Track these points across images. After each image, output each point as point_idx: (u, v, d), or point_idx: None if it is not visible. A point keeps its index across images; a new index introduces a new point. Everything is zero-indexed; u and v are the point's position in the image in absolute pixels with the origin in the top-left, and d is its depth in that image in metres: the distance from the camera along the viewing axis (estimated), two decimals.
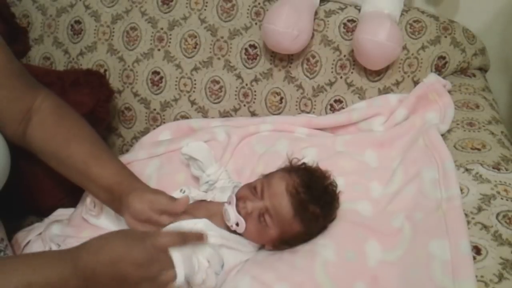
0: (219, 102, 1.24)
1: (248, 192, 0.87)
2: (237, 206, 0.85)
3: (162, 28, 1.24)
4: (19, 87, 0.90)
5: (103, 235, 0.73)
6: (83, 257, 0.70)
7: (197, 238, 0.77)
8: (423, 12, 1.19)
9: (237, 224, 0.85)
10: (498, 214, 0.81)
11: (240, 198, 0.86)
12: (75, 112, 0.96)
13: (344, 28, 1.18)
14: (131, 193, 0.85)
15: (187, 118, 1.24)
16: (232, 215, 0.85)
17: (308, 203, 0.84)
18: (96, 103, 1.13)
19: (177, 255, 0.73)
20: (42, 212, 1.08)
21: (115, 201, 0.88)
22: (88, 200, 0.97)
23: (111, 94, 1.19)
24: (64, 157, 0.90)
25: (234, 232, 0.87)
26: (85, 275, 0.69)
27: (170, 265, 0.72)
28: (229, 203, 0.86)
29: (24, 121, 0.90)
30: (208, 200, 0.93)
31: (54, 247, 0.93)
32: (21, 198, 1.05)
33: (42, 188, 1.06)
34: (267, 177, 0.89)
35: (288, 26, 1.09)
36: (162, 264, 0.72)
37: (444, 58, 1.16)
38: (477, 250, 0.77)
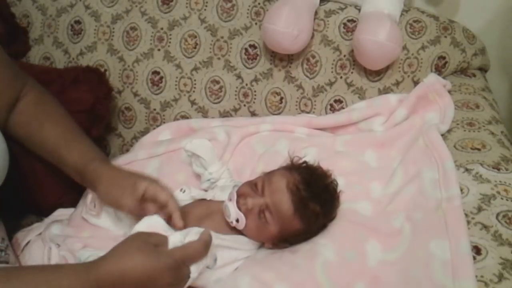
0: (219, 102, 1.24)
1: (249, 189, 0.87)
2: (237, 202, 0.85)
3: (162, 28, 1.24)
4: (7, 78, 0.91)
5: (125, 252, 0.71)
6: (106, 277, 0.69)
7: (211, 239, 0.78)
8: (423, 12, 1.19)
9: (237, 221, 0.85)
10: (498, 214, 0.81)
11: (240, 194, 0.86)
12: (55, 99, 0.98)
13: (344, 28, 1.18)
14: (96, 180, 0.87)
15: (187, 118, 1.24)
16: (233, 211, 0.85)
17: (309, 200, 0.84)
18: (95, 100, 1.13)
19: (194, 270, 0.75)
20: (42, 212, 1.08)
21: (86, 182, 0.91)
22: (88, 200, 0.97)
23: (110, 91, 1.19)
24: (39, 140, 0.93)
25: (234, 229, 0.87)
26: None
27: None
28: (230, 199, 0.86)
29: (10, 109, 0.92)
30: (208, 199, 0.93)
31: (54, 247, 0.92)
32: (21, 197, 1.05)
33: (42, 186, 1.06)
34: (268, 174, 0.90)
35: (288, 26, 1.09)
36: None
37: (444, 58, 1.16)
38: (477, 250, 0.77)
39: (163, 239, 0.75)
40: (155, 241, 0.74)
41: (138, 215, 0.83)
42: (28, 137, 0.93)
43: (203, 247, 0.75)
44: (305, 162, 0.93)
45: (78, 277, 0.69)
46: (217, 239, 0.85)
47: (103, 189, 0.87)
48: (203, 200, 0.93)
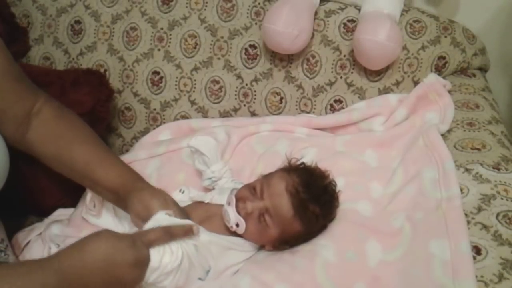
0: (219, 102, 1.24)
1: (248, 193, 0.87)
2: (236, 206, 0.85)
3: (162, 28, 1.24)
4: (19, 91, 0.90)
5: (85, 239, 0.71)
6: (68, 264, 0.69)
7: (185, 232, 0.78)
8: (423, 12, 1.19)
9: (237, 225, 0.85)
10: (498, 214, 0.81)
11: (239, 198, 0.86)
12: (75, 115, 0.96)
13: (344, 28, 1.18)
14: (131, 194, 0.86)
15: (187, 118, 1.24)
16: (232, 216, 0.84)
17: (308, 202, 0.84)
18: (96, 103, 1.13)
19: (156, 258, 0.74)
20: (42, 212, 1.08)
21: (120, 201, 0.89)
22: (88, 199, 0.97)
23: (111, 94, 1.19)
24: (66, 160, 0.90)
25: (234, 233, 0.87)
26: (70, 282, 0.68)
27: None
28: (229, 204, 0.86)
29: (24, 125, 0.90)
30: (206, 201, 0.93)
31: (54, 247, 0.92)
32: (21, 198, 1.05)
33: (42, 188, 1.06)
34: (267, 177, 0.89)
35: (288, 26, 1.09)
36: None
37: (444, 58, 1.16)
38: (477, 250, 0.77)
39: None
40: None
41: None
42: (53, 155, 0.91)
43: (162, 232, 0.75)
44: (303, 163, 0.93)
45: (40, 271, 0.68)
46: (216, 238, 0.85)
47: (141, 207, 0.85)
48: (202, 202, 0.93)
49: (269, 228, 0.85)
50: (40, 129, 0.91)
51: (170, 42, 1.23)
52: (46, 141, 0.91)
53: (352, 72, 1.18)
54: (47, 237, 0.96)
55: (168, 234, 0.75)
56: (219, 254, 0.85)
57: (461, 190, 0.87)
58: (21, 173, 1.00)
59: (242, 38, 1.22)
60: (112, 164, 0.91)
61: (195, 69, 1.23)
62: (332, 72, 1.19)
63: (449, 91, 1.11)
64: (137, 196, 0.85)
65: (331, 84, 1.19)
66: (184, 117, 1.25)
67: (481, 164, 0.90)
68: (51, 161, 0.92)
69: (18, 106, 0.89)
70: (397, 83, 1.17)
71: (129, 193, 0.86)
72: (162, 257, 0.74)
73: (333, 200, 0.90)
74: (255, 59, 1.21)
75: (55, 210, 1.07)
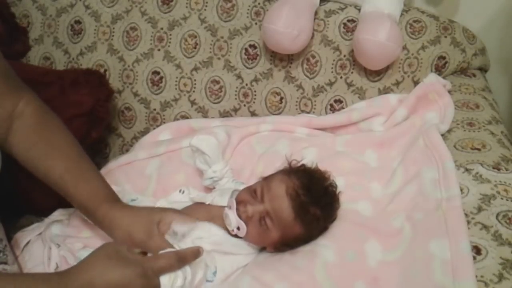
0: (219, 102, 1.24)
1: (248, 196, 0.87)
2: (237, 210, 0.85)
3: (162, 28, 1.24)
4: (0, 92, 0.87)
5: (95, 260, 0.72)
6: (75, 284, 0.69)
7: (194, 255, 0.78)
8: (423, 12, 1.19)
9: (238, 228, 0.85)
10: (498, 214, 0.81)
11: (240, 202, 0.86)
12: (59, 121, 0.93)
13: (344, 28, 1.18)
14: (119, 228, 0.84)
15: (187, 118, 1.24)
16: (233, 220, 0.84)
17: (309, 205, 0.84)
18: (95, 103, 1.13)
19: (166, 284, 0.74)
20: (41, 212, 1.07)
21: (96, 223, 0.88)
22: None
23: (111, 94, 1.19)
24: (43, 170, 0.89)
25: (236, 236, 0.87)
26: None
27: None
28: (230, 207, 0.86)
29: (5, 126, 0.88)
30: (207, 203, 0.93)
31: (54, 247, 0.92)
32: (20, 198, 1.05)
33: (42, 188, 1.06)
34: (267, 180, 0.89)
35: (288, 26, 1.09)
36: None
37: (444, 58, 1.16)
38: (477, 250, 0.77)
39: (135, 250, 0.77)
40: (126, 250, 0.74)
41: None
42: (31, 162, 0.89)
43: (175, 260, 0.75)
44: (303, 165, 0.93)
45: (49, 287, 0.69)
46: (215, 245, 0.85)
47: (121, 234, 0.83)
48: (202, 204, 0.93)
49: (270, 231, 0.85)
50: (20, 134, 0.89)
51: (170, 42, 1.23)
52: (25, 148, 0.89)
53: (352, 72, 1.18)
54: (47, 237, 0.96)
55: (181, 262, 0.75)
56: (223, 255, 0.85)
57: (461, 190, 0.87)
58: (21, 173, 1.00)
59: (242, 38, 1.22)
60: (85, 181, 0.89)
61: (195, 69, 1.23)
62: (332, 72, 1.19)
63: (449, 91, 1.12)
64: (131, 217, 0.84)
65: (331, 84, 1.19)
66: (184, 117, 1.25)
67: (481, 164, 0.90)
68: (30, 167, 0.90)
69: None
70: (397, 83, 1.17)
71: (113, 223, 0.85)
72: (172, 284, 0.74)
73: (333, 202, 0.90)
74: (255, 59, 1.21)
75: (55, 210, 1.06)
